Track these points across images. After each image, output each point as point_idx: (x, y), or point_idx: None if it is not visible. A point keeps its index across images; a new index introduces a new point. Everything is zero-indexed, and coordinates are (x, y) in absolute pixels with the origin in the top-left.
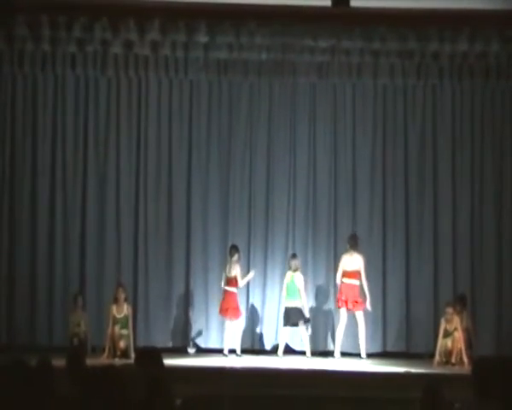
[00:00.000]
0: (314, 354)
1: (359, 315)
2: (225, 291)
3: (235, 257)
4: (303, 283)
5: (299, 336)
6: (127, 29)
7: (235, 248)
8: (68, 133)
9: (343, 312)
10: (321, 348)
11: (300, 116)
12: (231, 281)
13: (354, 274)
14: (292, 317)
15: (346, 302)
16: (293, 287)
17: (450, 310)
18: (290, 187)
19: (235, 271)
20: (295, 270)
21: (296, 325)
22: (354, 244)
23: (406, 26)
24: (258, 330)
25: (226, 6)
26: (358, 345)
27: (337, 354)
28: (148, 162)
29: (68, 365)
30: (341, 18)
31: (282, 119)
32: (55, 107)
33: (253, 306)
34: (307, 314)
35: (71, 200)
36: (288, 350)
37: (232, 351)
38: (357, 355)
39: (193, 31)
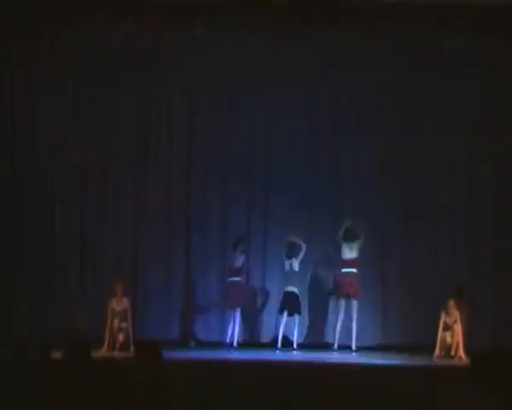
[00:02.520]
0: (307, 345)
1: (355, 305)
2: (230, 282)
3: (240, 248)
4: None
5: (291, 326)
6: (126, 25)
7: (239, 239)
8: (68, 131)
9: (341, 304)
10: (319, 340)
11: (300, 109)
12: (236, 271)
13: (353, 262)
14: (289, 304)
15: (345, 292)
16: (292, 273)
17: (450, 303)
18: (290, 179)
19: (241, 262)
20: (293, 257)
21: (292, 315)
22: (352, 237)
23: (406, 19)
24: (257, 321)
25: (225, 2)
26: (351, 337)
27: (336, 345)
28: (147, 154)
29: (71, 358)
30: (341, 10)
31: (282, 112)
32: (55, 105)
33: (252, 297)
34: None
35: (71, 194)
36: (284, 340)
37: (231, 344)
38: (349, 348)
39: (191, 26)
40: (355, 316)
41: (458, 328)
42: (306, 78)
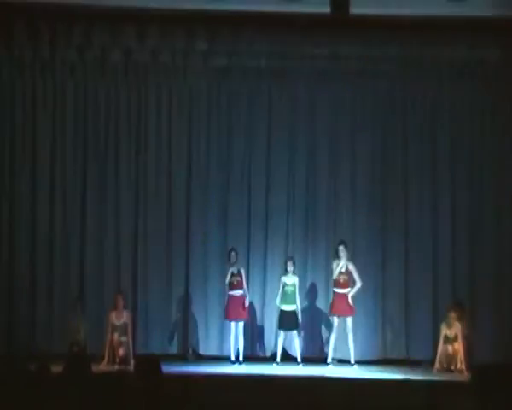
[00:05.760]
0: (307, 359)
1: (349, 321)
2: (227, 295)
3: (231, 259)
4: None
5: (292, 341)
6: (126, 36)
7: (230, 251)
8: (68, 140)
9: (335, 319)
10: (318, 354)
11: (299, 122)
12: (230, 284)
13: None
14: (288, 321)
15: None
16: (293, 290)
17: (452, 315)
18: (289, 192)
19: (230, 274)
20: (293, 273)
21: (292, 330)
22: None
23: (405, 33)
24: (257, 335)
25: (225, 13)
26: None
27: (330, 359)
28: (147, 169)
29: (70, 372)
30: (340, 25)
31: (280, 125)
32: (55, 113)
33: (252, 311)
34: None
35: (70, 206)
36: (284, 355)
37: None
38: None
39: (192, 37)
40: (351, 333)
41: (460, 341)
42: (305, 87)
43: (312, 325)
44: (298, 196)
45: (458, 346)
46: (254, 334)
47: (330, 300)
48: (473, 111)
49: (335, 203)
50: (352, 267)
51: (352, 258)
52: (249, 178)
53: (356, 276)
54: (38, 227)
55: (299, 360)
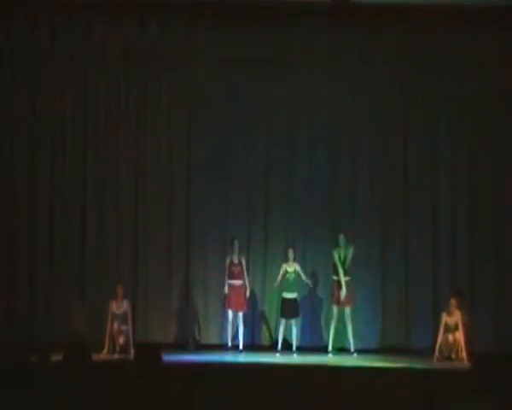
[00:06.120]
0: (307, 348)
1: (348, 310)
2: (228, 284)
3: (234, 248)
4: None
5: (291, 329)
6: (127, 25)
7: (230, 241)
8: (67, 131)
9: (335, 307)
10: (318, 343)
11: (300, 111)
12: (231, 274)
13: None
14: (290, 309)
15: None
16: (294, 277)
17: (453, 302)
18: (290, 181)
19: (229, 262)
20: (294, 260)
21: (293, 318)
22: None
23: (405, 21)
24: (257, 324)
25: (225, 2)
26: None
27: (330, 348)
28: (147, 158)
29: (70, 360)
30: (341, 13)
31: (281, 114)
32: (55, 104)
33: (252, 300)
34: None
35: (71, 197)
36: (286, 343)
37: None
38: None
39: (192, 27)
40: (350, 322)
41: (461, 330)
42: (306, 76)
43: (312, 313)
44: (298, 185)
45: (459, 335)
46: (255, 322)
47: (330, 288)
48: (474, 102)
49: (336, 190)
50: (348, 254)
51: (352, 246)
52: (249, 166)
53: (347, 261)
54: (39, 218)
55: (294, 348)
